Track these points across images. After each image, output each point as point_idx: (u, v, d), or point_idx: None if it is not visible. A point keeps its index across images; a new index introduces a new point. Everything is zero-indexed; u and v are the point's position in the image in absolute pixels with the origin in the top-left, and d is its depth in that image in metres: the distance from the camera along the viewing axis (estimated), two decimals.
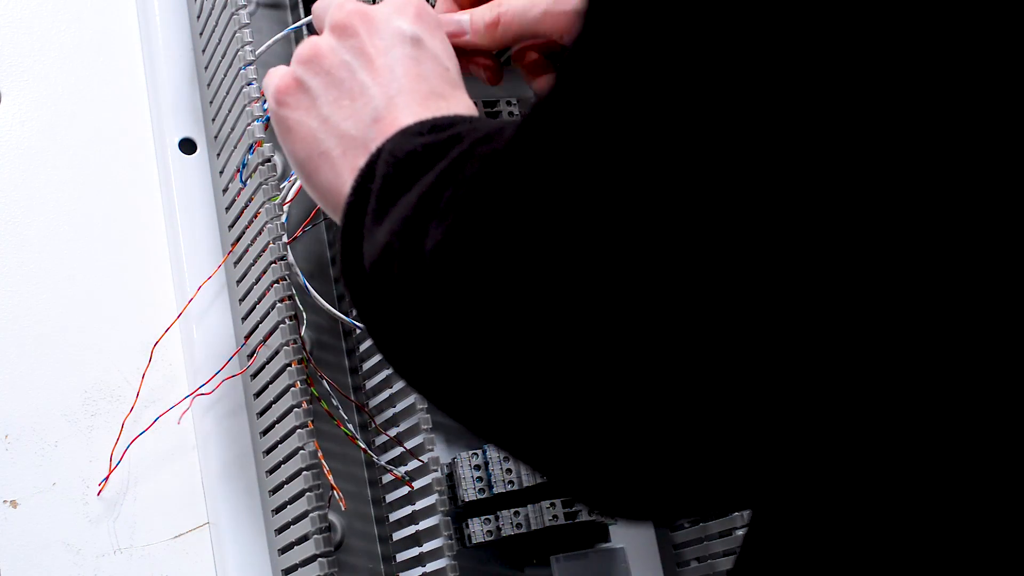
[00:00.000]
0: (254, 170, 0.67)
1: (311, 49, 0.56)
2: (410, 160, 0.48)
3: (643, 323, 0.34)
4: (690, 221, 0.33)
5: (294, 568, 0.66)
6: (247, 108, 0.67)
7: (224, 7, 0.70)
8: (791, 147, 0.32)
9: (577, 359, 0.36)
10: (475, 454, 0.72)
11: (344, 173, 0.53)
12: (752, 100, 0.32)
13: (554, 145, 0.36)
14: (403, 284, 0.43)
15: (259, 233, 0.67)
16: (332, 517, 0.69)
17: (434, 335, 0.42)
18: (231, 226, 0.73)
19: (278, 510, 0.68)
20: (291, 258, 0.67)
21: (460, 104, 0.55)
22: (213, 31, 0.73)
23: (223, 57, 0.71)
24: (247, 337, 0.71)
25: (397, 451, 0.68)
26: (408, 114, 0.53)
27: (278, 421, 0.67)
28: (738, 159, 0.32)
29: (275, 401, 0.67)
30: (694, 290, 0.33)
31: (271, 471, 0.69)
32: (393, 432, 0.69)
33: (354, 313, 0.72)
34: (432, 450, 0.65)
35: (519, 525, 0.71)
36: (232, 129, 0.71)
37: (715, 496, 0.39)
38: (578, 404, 0.37)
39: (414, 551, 0.67)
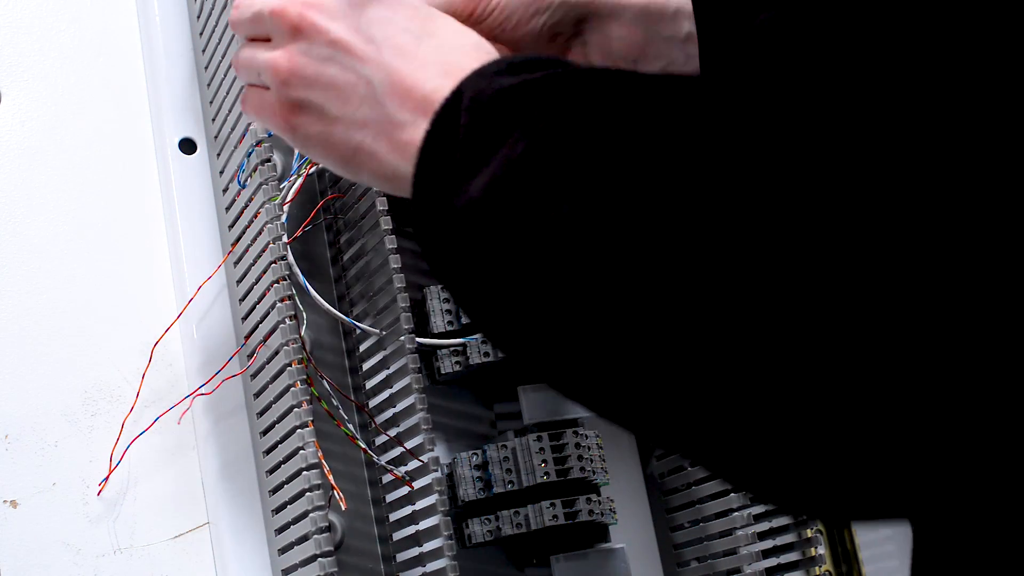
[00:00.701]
0: (254, 170, 0.67)
1: (285, 66, 0.55)
2: (497, 107, 0.46)
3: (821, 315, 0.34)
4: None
5: (294, 568, 0.66)
6: None
7: (224, 7, 0.70)
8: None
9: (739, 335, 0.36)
10: (475, 454, 0.72)
11: (385, 154, 0.52)
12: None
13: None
14: (509, 245, 0.42)
15: (259, 233, 0.67)
16: (332, 517, 0.69)
17: (544, 297, 0.41)
18: (231, 226, 0.73)
19: (278, 510, 0.68)
20: (291, 258, 0.67)
21: (448, 30, 0.53)
22: (213, 31, 0.73)
23: (223, 57, 0.71)
24: (247, 337, 0.71)
25: (397, 451, 0.68)
26: (415, 70, 0.51)
27: (278, 421, 0.67)
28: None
29: (275, 401, 0.67)
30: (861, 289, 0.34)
31: (271, 471, 0.69)
32: (393, 432, 0.69)
33: (354, 313, 0.72)
34: (432, 450, 0.65)
35: (519, 525, 0.71)
36: (232, 129, 0.71)
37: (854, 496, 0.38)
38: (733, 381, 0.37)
39: (414, 551, 0.67)
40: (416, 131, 0.50)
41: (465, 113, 0.47)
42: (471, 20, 0.62)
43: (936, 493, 0.36)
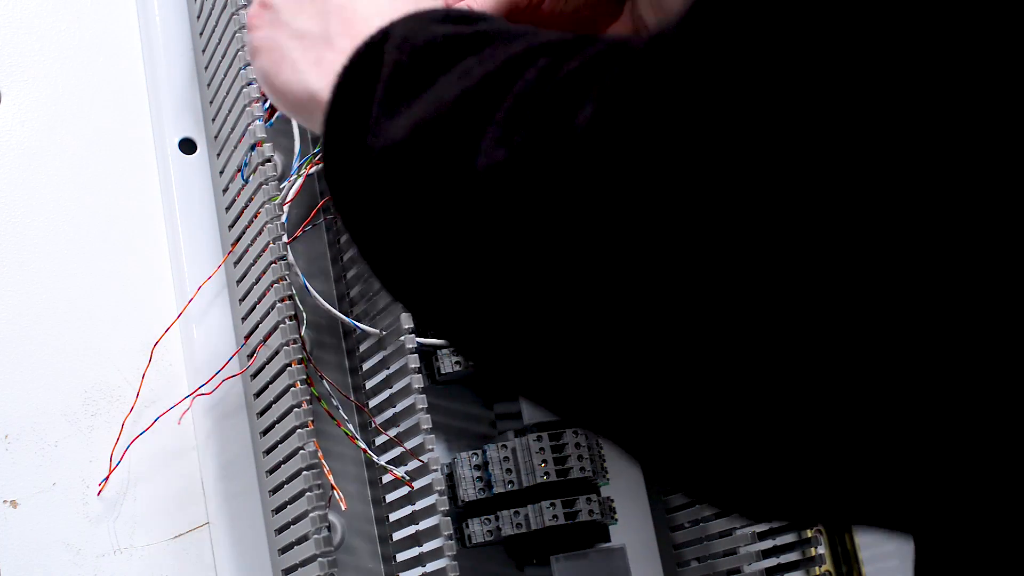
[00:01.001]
0: (254, 170, 0.67)
1: None
2: (429, 50, 0.44)
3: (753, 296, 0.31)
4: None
5: (294, 568, 0.66)
6: (247, 108, 0.67)
7: (224, 7, 0.70)
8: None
9: (629, 329, 0.33)
10: (475, 454, 0.72)
11: (308, 66, 0.52)
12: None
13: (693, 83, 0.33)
14: (430, 190, 0.40)
15: (259, 233, 0.67)
16: (332, 517, 0.69)
17: (463, 246, 0.38)
18: (231, 226, 0.73)
19: (278, 510, 0.68)
20: (291, 258, 0.67)
21: None
22: (213, 31, 0.73)
23: (223, 57, 0.71)
24: (247, 337, 0.71)
25: (397, 451, 0.68)
26: (367, 5, 0.51)
27: (278, 421, 0.67)
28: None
29: (275, 401, 0.67)
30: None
31: (271, 471, 0.69)
32: (393, 432, 0.69)
33: (354, 313, 0.72)
34: (432, 450, 0.65)
35: (519, 525, 0.71)
36: (232, 129, 0.71)
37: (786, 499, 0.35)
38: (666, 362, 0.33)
39: (414, 551, 0.68)
40: (342, 57, 0.48)
41: (396, 51, 0.45)
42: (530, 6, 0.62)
43: (936, 499, 0.35)
